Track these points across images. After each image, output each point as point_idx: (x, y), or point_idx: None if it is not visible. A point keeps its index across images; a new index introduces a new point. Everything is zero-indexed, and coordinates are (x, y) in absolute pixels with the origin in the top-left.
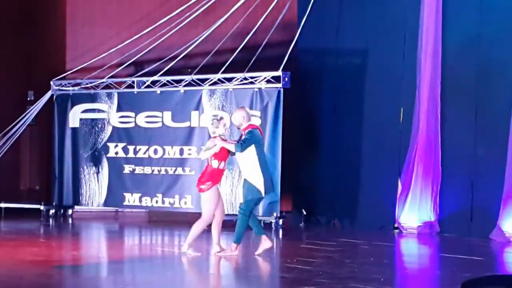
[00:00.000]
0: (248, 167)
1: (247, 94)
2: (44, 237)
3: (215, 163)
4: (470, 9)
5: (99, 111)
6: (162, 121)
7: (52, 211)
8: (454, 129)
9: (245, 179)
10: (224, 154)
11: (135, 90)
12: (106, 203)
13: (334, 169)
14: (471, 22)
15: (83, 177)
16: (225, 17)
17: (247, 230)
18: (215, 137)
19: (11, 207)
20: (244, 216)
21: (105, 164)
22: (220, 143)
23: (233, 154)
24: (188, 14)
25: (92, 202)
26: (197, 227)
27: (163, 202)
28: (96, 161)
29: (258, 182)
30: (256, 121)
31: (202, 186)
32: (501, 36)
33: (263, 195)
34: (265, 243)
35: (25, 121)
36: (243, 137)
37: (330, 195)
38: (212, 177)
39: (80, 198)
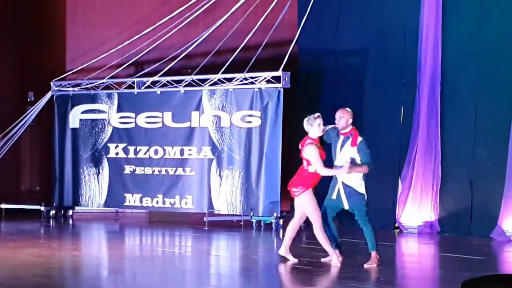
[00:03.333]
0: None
1: (247, 94)
2: (45, 238)
3: (311, 168)
4: (470, 8)
5: (99, 111)
6: (163, 122)
7: (52, 212)
8: (454, 129)
9: (347, 185)
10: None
11: (135, 90)
12: (106, 204)
13: None
14: (471, 21)
15: (83, 178)
16: (225, 17)
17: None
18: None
19: (12, 208)
20: (368, 222)
21: (105, 165)
22: (349, 170)
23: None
24: (188, 14)
25: (93, 203)
26: (318, 235)
27: (163, 202)
28: (96, 162)
29: (361, 187)
30: (256, 122)
31: (294, 189)
32: (501, 35)
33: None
34: (334, 257)
35: (25, 122)
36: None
37: None
38: (305, 181)
39: (80, 198)
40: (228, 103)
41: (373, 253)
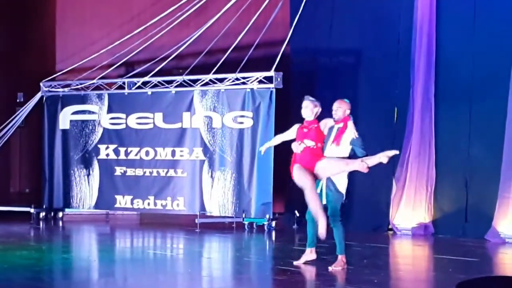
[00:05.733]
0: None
1: (239, 95)
2: (34, 240)
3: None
4: (464, 7)
5: (90, 112)
6: (154, 122)
7: (42, 214)
8: (448, 129)
9: (330, 180)
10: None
11: (126, 91)
12: (97, 206)
13: None
14: (465, 21)
15: (74, 180)
16: (216, 16)
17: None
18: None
19: (1, 210)
20: (339, 223)
21: (96, 166)
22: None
23: None
24: (179, 14)
25: (83, 205)
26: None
27: (155, 204)
28: (86, 163)
29: (343, 186)
30: (248, 122)
31: None
32: (495, 34)
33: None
34: (309, 255)
35: (15, 123)
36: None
37: None
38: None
39: (71, 200)
40: (219, 103)
41: (340, 257)
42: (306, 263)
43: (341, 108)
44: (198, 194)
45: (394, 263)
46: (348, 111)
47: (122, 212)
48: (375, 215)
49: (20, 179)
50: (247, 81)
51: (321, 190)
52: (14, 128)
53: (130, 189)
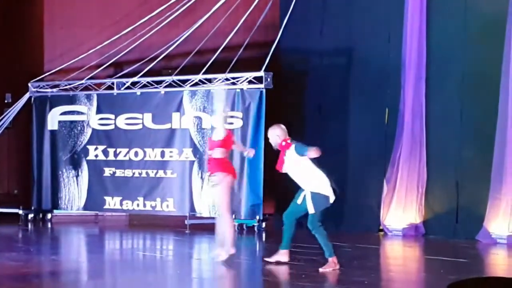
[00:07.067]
0: (308, 176)
1: (228, 95)
2: (23, 242)
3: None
4: (454, 8)
5: (78, 113)
6: (143, 123)
7: (30, 216)
8: (439, 130)
9: (310, 192)
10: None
11: (115, 91)
12: (86, 207)
13: None
14: (456, 22)
15: (62, 181)
16: (206, 16)
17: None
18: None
19: None
20: (320, 229)
21: (84, 167)
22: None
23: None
24: (168, 14)
25: (72, 206)
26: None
27: (144, 205)
28: (75, 164)
29: (324, 188)
30: (238, 123)
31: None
32: (486, 35)
33: (331, 201)
34: (283, 257)
35: (3, 124)
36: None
37: None
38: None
39: (59, 202)
40: (209, 104)
41: (331, 259)
42: (278, 263)
43: (272, 138)
44: (188, 195)
45: (385, 264)
46: (281, 135)
47: (111, 214)
48: (366, 216)
49: (8, 180)
50: (237, 81)
51: (304, 201)
52: (2, 129)
53: (119, 190)
